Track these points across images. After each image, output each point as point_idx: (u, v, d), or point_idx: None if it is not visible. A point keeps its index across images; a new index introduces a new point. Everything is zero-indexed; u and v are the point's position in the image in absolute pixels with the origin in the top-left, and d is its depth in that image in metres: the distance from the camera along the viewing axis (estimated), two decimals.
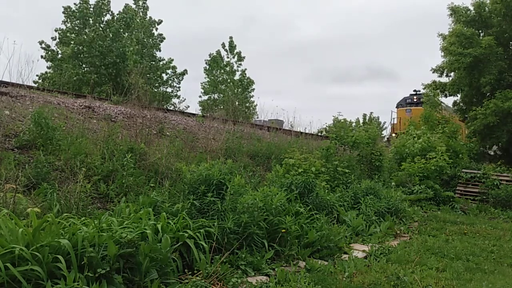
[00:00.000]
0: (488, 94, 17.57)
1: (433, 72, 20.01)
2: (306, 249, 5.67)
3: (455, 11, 18.82)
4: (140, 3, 24.12)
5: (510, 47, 18.65)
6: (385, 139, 26.08)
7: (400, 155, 12.82)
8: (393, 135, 25.10)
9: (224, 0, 69.85)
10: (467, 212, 10.86)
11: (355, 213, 7.71)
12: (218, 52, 29.54)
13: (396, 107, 28.00)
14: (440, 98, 20.91)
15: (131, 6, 23.39)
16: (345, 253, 6.05)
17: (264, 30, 77.23)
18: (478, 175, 12.73)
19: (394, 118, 27.81)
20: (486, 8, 18.18)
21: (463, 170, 13.15)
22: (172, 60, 24.44)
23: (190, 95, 42.58)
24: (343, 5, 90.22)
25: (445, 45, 18.69)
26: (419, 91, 27.76)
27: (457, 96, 20.38)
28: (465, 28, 17.84)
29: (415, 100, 27.47)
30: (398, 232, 7.76)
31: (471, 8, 18.67)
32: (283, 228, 5.47)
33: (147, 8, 24.29)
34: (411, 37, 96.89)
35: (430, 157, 11.94)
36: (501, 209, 11.22)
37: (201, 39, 57.28)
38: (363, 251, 6.24)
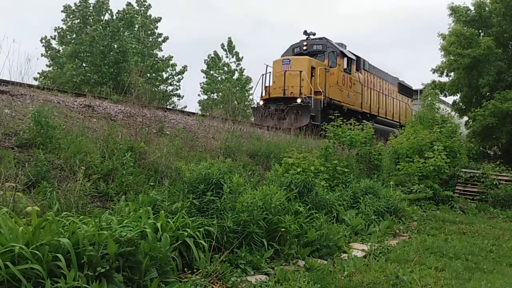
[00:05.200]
0: (488, 94, 17.58)
1: (433, 72, 20.10)
2: (306, 248, 5.68)
3: (455, 10, 18.83)
4: (143, 2, 24.08)
5: (510, 47, 18.65)
6: (254, 104, 17.80)
7: (397, 154, 12.82)
8: (260, 103, 16.93)
9: (235, 7, 70.68)
10: (466, 211, 10.88)
11: (355, 212, 7.72)
12: (216, 53, 29.66)
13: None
14: (441, 97, 20.85)
15: (133, 5, 23.37)
16: (345, 252, 6.07)
17: (271, 34, 77.74)
18: (477, 174, 12.75)
19: (264, 75, 17.33)
20: (487, 8, 18.18)
21: (462, 169, 13.17)
22: (172, 57, 24.42)
23: (193, 95, 42.77)
24: (347, 10, 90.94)
25: (445, 44, 18.70)
26: (314, 33, 18.73)
27: (457, 95, 20.41)
28: (465, 28, 17.84)
29: (304, 48, 18.02)
30: (397, 231, 7.77)
31: (472, 7, 18.67)
32: (283, 227, 5.47)
33: (148, 7, 24.26)
34: (414, 40, 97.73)
35: (429, 156, 11.95)
36: (500, 209, 11.24)
37: (213, 42, 58.15)
38: (362, 250, 6.25)
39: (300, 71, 16.06)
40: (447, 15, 19.20)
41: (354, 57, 19.07)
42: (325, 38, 18.44)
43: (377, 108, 21.13)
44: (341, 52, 18.20)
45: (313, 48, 18.13)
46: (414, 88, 27.23)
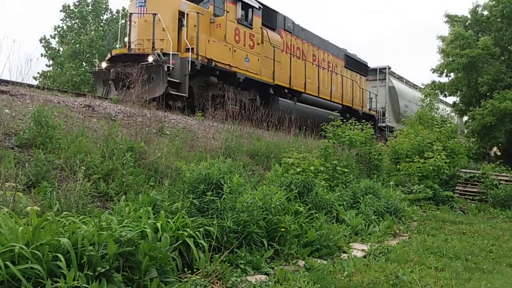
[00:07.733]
0: (488, 93, 17.61)
1: (433, 72, 20.12)
2: (306, 248, 5.68)
3: (451, 18, 18.92)
4: None
5: (509, 48, 18.67)
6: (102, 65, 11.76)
7: (397, 154, 12.84)
8: (103, 65, 11.80)
9: None
10: (466, 211, 10.88)
11: (354, 212, 7.72)
12: None
13: None
14: (440, 97, 20.84)
15: None
16: (344, 252, 6.07)
17: None
18: (477, 175, 12.76)
19: (108, 22, 12.64)
20: (485, 13, 18.26)
21: (462, 170, 13.18)
22: None
23: None
24: (349, 12, 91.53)
25: (445, 44, 18.75)
26: None
27: (457, 96, 20.46)
28: (465, 30, 17.91)
29: None
30: (397, 231, 7.77)
31: (469, 15, 18.86)
32: (283, 227, 5.47)
33: None
34: (416, 41, 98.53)
35: (428, 156, 11.96)
36: (500, 209, 11.25)
37: None
38: (362, 250, 6.25)
39: (154, 14, 10.92)
40: (444, 22, 19.24)
41: (257, 5, 13.48)
42: None
43: (304, 82, 15.89)
44: None
45: None
46: (373, 66, 22.97)
